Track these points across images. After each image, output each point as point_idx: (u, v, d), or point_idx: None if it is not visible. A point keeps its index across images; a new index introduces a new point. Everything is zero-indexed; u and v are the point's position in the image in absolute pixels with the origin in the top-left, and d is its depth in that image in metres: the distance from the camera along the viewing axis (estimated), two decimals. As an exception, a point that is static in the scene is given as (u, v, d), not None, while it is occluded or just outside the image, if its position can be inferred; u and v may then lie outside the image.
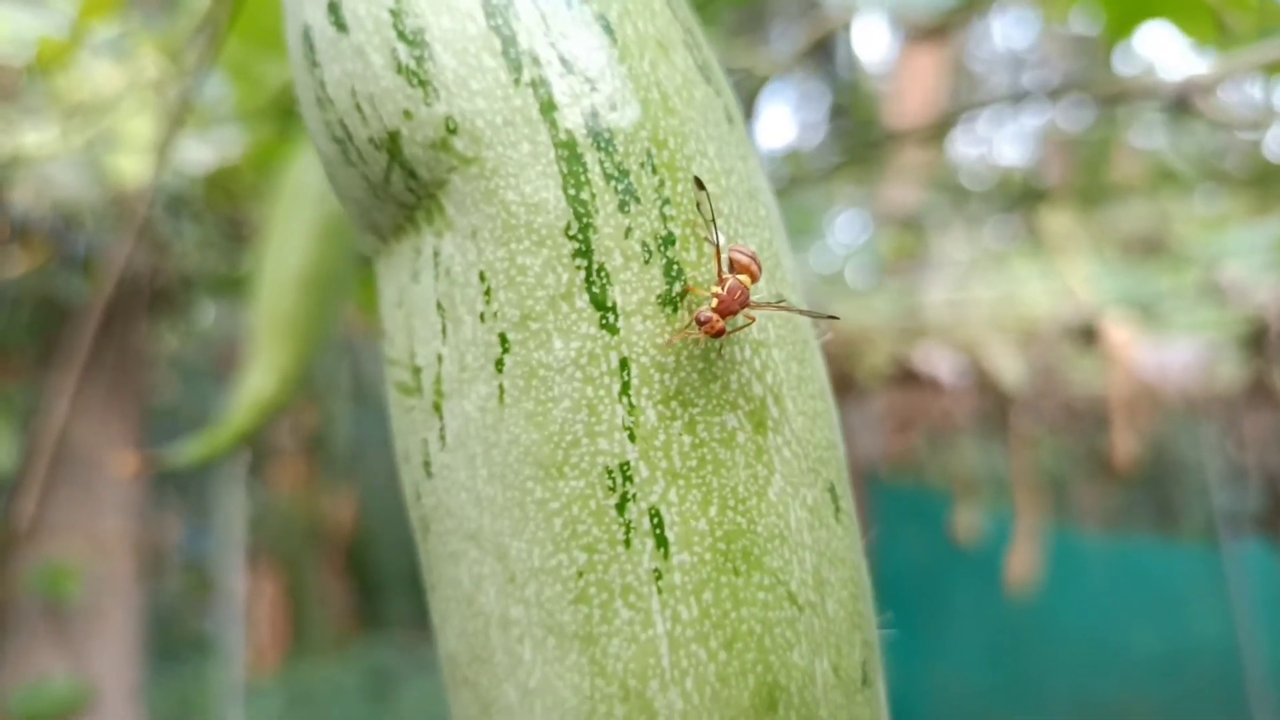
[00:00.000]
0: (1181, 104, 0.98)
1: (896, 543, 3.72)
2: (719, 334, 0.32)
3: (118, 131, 1.28)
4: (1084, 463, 3.54)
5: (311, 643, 4.05)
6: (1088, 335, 2.15)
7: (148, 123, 1.24)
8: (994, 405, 2.58)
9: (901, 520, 3.69)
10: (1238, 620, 3.18)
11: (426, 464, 0.36)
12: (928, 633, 3.65)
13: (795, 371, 0.36)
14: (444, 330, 0.35)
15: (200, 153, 1.38)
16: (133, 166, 1.32)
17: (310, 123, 0.39)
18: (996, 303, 2.33)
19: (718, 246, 0.33)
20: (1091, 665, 3.38)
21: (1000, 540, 2.77)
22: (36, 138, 1.18)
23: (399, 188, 0.37)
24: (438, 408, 0.36)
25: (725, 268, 0.33)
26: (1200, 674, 3.27)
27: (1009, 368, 2.32)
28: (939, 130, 1.71)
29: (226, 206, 1.62)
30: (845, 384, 2.74)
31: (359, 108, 0.36)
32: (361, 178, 0.38)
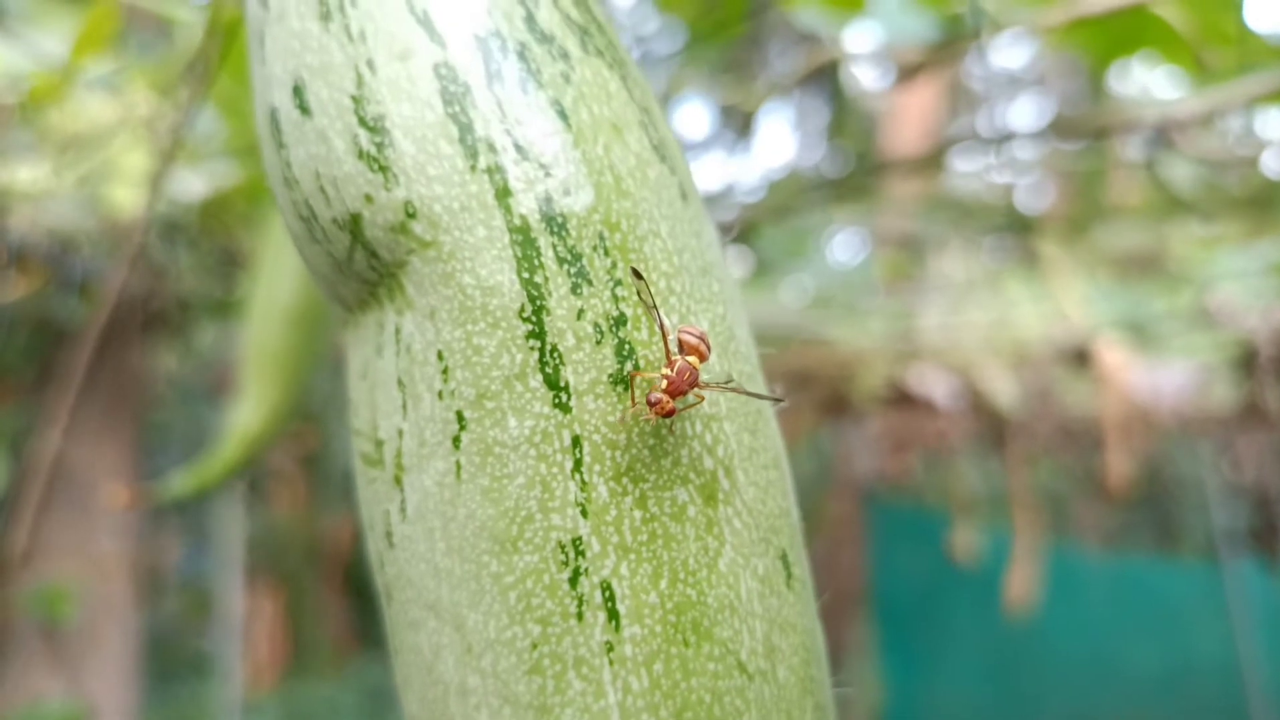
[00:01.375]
0: (1161, 139, 0.99)
1: (895, 562, 3.72)
2: (669, 414, 0.33)
3: (112, 164, 1.29)
4: (1083, 482, 3.54)
5: (310, 662, 4.04)
6: (1081, 358, 2.15)
7: (141, 157, 1.25)
8: (989, 426, 2.58)
9: (900, 540, 3.69)
10: (1239, 638, 3.17)
11: (389, 534, 0.37)
12: (927, 652, 3.65)
13: (747, 443, 0.37)
14: (404, 406, 0.36)
15: (193, 183, 1.39)
16: (127, 197, 1.33)
17: (279, 199, 0.40)
18: (991, 325, 2.34)
19: (664, 330, 0.34)
20: (1091, 684, 3.37)
21: (999, 559, 2.76)
22: (29, 173, 1.20)
23: (362, 266, 0.38)
24: (399, 480, 0.37)
25: (675, 348, 0.34)
26: (1201, 692, 3.26)
27: (1003, 390, 2.33)
28: (931, 161, 1.72)
29: (220, 233, 1.63)
30: (841, 405, 2.75)
31: (323, 190, 0.37)
32: (327, 254, 0.38)
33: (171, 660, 3.56)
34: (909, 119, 3.79)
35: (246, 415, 1.05)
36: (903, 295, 2.71)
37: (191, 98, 1.01)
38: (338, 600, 4.19)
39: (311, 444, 3.80)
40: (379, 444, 0.38)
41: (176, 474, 1.13)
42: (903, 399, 2.54)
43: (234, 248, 1.68)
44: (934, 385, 2.47)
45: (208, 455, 1.10)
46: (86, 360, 1.50)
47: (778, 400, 0.38)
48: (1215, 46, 1.04)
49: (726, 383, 0.36)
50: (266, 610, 3.79)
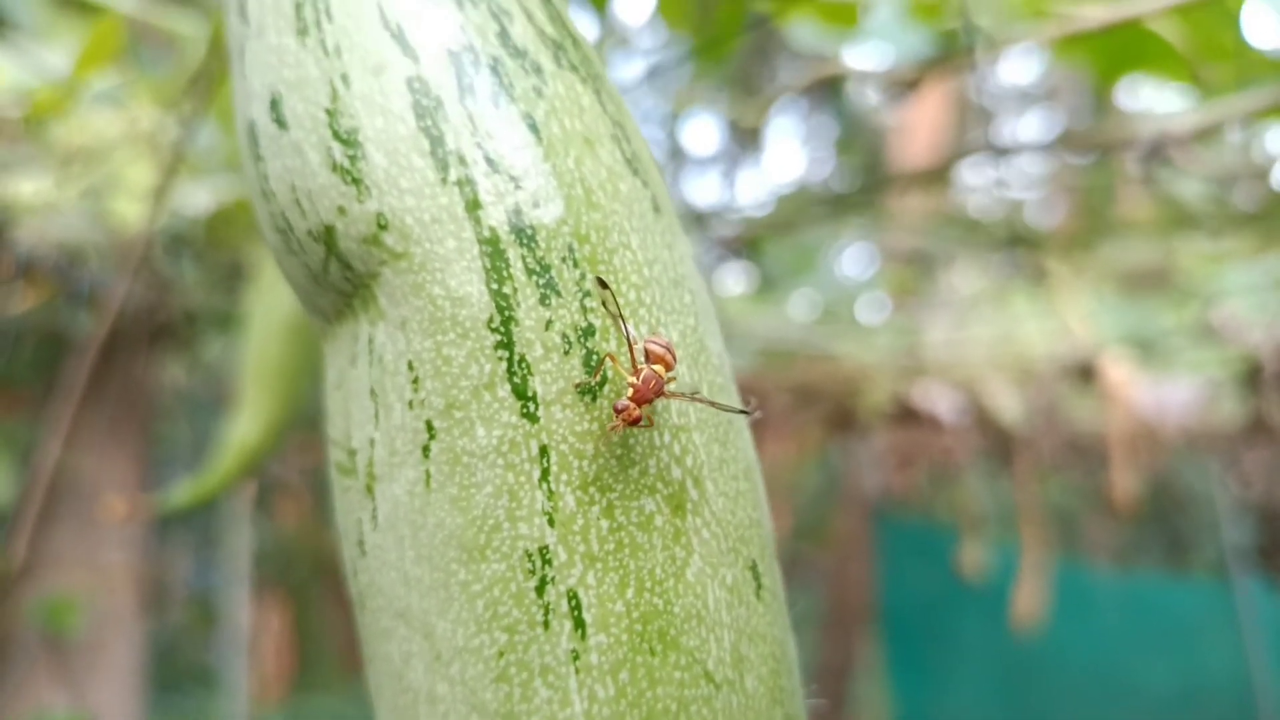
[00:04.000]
0: (1157, 154, 0.99)
1: (902, 578, 3.70)
2: (636, 422, 0.33)
3: (116, 177, 1.30)
4: (1091, 498, 3.52)
5: (316, 675, 4.04)
6: (1086, 373, 2.15)
7: (145, 170, 1.26)
8: (996, 442, 2.57)
9: (907, 556, 3.67)
10: (1250, 656, 3.14)
11: (361, 543, 0.38)
12: (934, 669, 3.63)
13: (717, 453, 0.37)
14: (376, 416, 0.37)
15: (199, 197, 1.40)
16: (132, 211, 1.34)
17: (258, 212, 0.41)
18: (996, 341, 2.33)
19: (630, 340, 0.35)
20: (1101, 702, 3.35)
21: (1007, 575, 2.75)
22: (32, 186, 1.21)
23: (337, 277, 0.38)
24: (370, 490, 0.37)
25: (641, 358, 0.34)
26: (1212, 710, 3.23)
27: (1008, 405, 2.32)
28: (939, 174, 1.72)
29: (226, 247, 1.64)
30: (846, 421, 2.75)
31: (298, 202, 0.38)
32: (303, 266, 0.39)
33: (177, 673, 3.56)
34: (918, 136, 3.79)
35: (245, 427, 1.05)
36: (909, 311, 2.71)
37: (194, 112, 1.02)
38: (345, 614, 4.17)
39: (319, 457, 3.78)
40: (352, 453, 0.38)
41: (175, 485, 1.13)
42: (908, 415, 2.54)
43: (240, 261, 1.69)
44: (939, 401, 2.46)
45: (206, 467, 1.11)
46: (89, 371, 1.51)
47: (748, 412, 0.38)
48: (1213, 62, 1.04)
49: (694, 394, 0.36)
50: (273, 623, 3.78)
